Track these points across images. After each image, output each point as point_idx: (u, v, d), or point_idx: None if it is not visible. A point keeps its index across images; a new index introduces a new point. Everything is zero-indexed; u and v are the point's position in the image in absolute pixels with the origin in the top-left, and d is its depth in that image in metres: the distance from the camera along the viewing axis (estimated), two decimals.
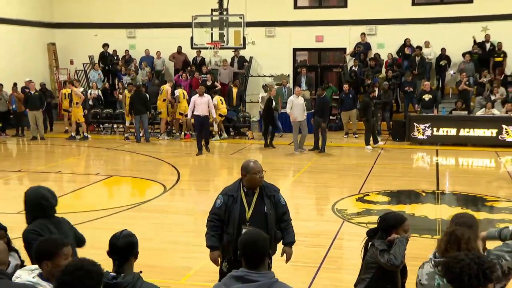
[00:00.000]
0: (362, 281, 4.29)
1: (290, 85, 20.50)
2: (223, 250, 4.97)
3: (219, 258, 4.97)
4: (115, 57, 21.38)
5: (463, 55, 18.58)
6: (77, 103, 17.47)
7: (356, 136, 17.52)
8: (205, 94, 14.81)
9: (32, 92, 17.30)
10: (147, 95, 17.24)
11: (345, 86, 17.60)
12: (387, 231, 4.25)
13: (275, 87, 18.19)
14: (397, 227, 4.21)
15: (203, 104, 14.49)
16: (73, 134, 17.47)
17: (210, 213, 5.00)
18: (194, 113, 14.49)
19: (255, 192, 4.90)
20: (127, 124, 17.56)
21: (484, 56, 18.65)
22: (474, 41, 18.71)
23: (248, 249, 3.09)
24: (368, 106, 15.35)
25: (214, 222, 4.93)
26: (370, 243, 4.33)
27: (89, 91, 19.15)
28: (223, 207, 4.89)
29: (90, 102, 18.77)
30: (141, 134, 16.74)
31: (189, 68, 20.05)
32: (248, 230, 3.66)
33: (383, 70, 19.24)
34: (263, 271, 3.06)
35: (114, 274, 3.24)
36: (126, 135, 17.47)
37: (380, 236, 4.28)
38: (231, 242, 4.84)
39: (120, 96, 18.28)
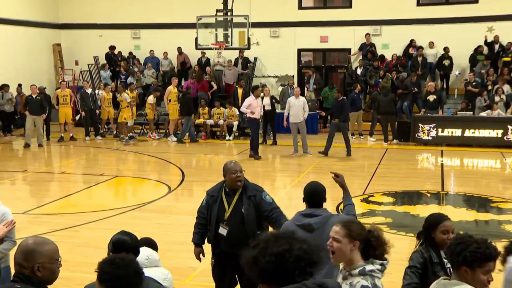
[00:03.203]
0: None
1: (295, 85, 20.52)
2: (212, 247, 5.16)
3: (201, 254, 5.22)
4: (119, 58, 21.43)
5: (474, 57, 18.54)
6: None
7: (362, 137, 17.59)
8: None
9: (34, 96, 16.46)
10: (191, 98, 17.35)
11: (358, 87, 17.63)
12: (426, 234, 3.90)
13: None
14: (433, 228, 3.84)
15: (259, 107, 14.28)
16: (63, 135, 17.47)
17: (197, 211, 5.27)
18: (253, 116, 14.02)
19: (236, 193, 4.98)
20: (129, 124, 17.54)
21: (493, 57, 18.60)
22: (485, 41, 18.64)
23: (313, 195, 4.26)
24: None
25: (199, 220, 5.21)
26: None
27: (96, 91, 19.15)
28: (206, 206, 5.12)
29: (99, 103, 18.75)
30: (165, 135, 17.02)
31: (195, 70, 20.03)
32: (311, 181, 4.43)
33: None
34: (322, 209, 4.21)
35: None
36: (129, 134, 17.49)
37: (423, 242, 3.91)
38: (210, 241, 5.09)
39: (119, 96, 18.21)
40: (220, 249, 5.00)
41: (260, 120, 14.96)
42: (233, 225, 4.88)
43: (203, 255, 5.22)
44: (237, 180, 4.93)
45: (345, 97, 15.82)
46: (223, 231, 4.93)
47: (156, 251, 4.11)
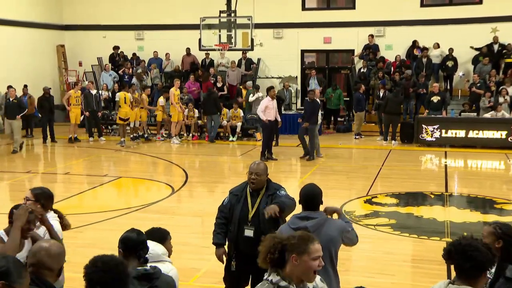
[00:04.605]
0: None
1: (298, 87, 20.51)
2: (229, 248, 5.01)
3: (224, 256, 4.99)
4: (122, 58, 21.46)
5: (477, 58, 18.52)
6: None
7: (362, 137, 17.64)
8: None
9: (11, 99, 15.74)
10: (218, 96, 17.39)
11: (362, 87, 17.61)
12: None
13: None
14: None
15: (274, 109, 13.86)
16: (71, 136, 17.38)
17: (218, 210, 5.08)
18: (267, 118, 13.64)
19: (260, 193, 4.90)
20: (132, 125, 17.52)
21: (492, 56, 18.56)
22: (501, 43, 18.65)
23: (309, 198, 4.19)
24: None
25: (220, 219, 5.01)
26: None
27: (100, 92, 19.16)
28: (228, 205, 4.96)
29: (102, 104, 18.76)
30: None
31: (198, 72, 20.03)
32: (306, 184, 4.31)
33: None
34: (318, 212, 4.17)
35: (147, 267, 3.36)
36: (133, 135, 17.51)
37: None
38: (232, 241, 4.91)
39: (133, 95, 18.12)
40: (239, 250, 4.87)
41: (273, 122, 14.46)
42: (257, 226, 4.77)
43: (226, 256, 5.00)
44: (250, 181, 4.85)
45: (317, 100, 14.71)
46: (249, 232, 4.78)
47: (165, 240, 4.06)
